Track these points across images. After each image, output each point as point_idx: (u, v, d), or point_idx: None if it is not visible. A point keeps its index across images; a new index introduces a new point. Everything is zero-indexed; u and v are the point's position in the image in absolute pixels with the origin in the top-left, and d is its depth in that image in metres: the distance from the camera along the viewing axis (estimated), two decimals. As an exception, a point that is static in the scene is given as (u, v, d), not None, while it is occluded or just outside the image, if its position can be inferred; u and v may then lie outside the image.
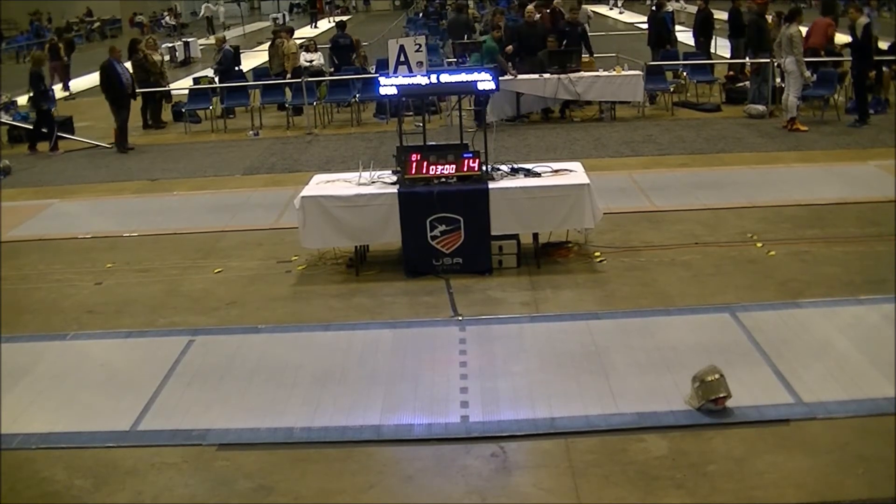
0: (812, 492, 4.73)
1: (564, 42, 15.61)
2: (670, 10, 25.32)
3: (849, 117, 14.16)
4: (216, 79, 18.38)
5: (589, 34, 17.22)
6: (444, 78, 8.46)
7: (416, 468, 5.18)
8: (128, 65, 16.31)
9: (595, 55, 16.37)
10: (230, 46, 19.24)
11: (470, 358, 6.50)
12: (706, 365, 5.63)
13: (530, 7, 16.60)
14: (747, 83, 16.08)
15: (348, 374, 6.33)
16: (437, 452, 5.30)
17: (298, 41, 19.40)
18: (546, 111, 15.71)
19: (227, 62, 18.27)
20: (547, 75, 14.73)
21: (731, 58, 18.01)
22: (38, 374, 6.59)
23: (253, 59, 24.87)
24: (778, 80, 14.70)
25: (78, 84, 25.23)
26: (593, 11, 28.04)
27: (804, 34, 16.50)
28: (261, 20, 48.24)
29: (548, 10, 17.50)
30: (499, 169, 8.52)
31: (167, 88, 17.77)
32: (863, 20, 13.79)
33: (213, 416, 5.80)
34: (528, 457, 5.24)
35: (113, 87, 14.93)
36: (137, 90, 16.36)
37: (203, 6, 43.75)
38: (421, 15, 38.04)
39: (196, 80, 19.74)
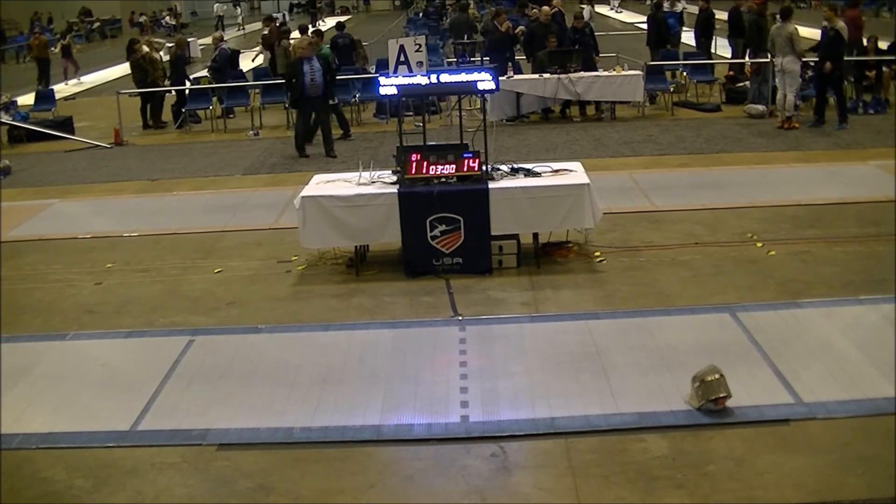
0: (812, 492, 4.73)
1: (577, 46, 15.60)
2: (678, 10, 25.15)
3: (852, 118, 14.08)
4: (211, 77, 18.35)
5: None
6: (444, 78, 8.46)
7: (416, 468, 5.18)
8: (125, 65, 16.11)
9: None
10: (228, 47, 19.18)
11: (470, 358, 6.50)
12: (706, 365, 5.63)
13: (546, 8, 16.59)
14: (747, 83, 16.06)
15: (348, 374, 6.33)
16: (437, 452, 5.30)
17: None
18: (546, 111, 15.71)
19: (222, 60, 18.19)
20: (546, 75, 14.73)
21: (731, 58, 18.00)
22: (38, 374, 6.59)
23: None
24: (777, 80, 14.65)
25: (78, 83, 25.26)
26: (595, 12, 28.05)
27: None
28: (261, 20, 48.18)
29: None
30: (499, 169, 8.52)
31: (165, 88, 17.74)
32: (841, 24, 13.74)
33: (213, 416, 5.80)
34: (528, 457, 5.24)
35: (293, 88, 13.90)
36: (136, 90, 16.34)
37: (215, 5, 43.79)
38: (421, 15, 38.03)
39: (196, 80, 19.74)
